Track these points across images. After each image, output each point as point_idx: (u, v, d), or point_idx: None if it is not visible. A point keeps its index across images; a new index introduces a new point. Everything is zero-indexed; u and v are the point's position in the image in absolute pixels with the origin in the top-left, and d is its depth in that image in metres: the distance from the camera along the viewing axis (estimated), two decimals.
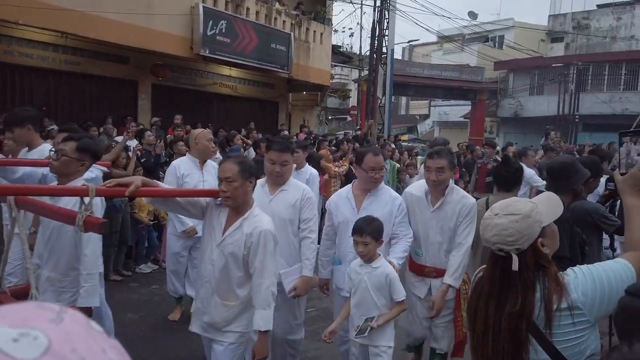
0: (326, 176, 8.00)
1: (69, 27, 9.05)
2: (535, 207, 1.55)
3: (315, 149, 10.22)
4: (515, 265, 1.47)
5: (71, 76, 10.87)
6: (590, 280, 1.49)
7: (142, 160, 6.33)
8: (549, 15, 27.82)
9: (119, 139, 7.00)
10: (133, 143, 6.85)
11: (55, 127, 8.25)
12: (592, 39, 25.52)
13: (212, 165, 4.41)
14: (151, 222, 6.22)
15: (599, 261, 3.02)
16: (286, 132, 13.38)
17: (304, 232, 3.23)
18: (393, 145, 11.50)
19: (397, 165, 9.03)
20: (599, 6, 26.38)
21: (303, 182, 3.71)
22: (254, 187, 2.70)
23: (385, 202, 3.19)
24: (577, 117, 22.75)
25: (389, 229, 3.12)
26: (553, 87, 23.89)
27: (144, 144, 6.95)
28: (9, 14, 8.10)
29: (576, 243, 2.68)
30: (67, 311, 0.51)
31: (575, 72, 22.81)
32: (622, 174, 1.75)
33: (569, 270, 1.53)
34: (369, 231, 2.79)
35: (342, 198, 3.30)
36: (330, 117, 29.80)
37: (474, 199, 3.37)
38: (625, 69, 22.38)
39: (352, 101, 27.32)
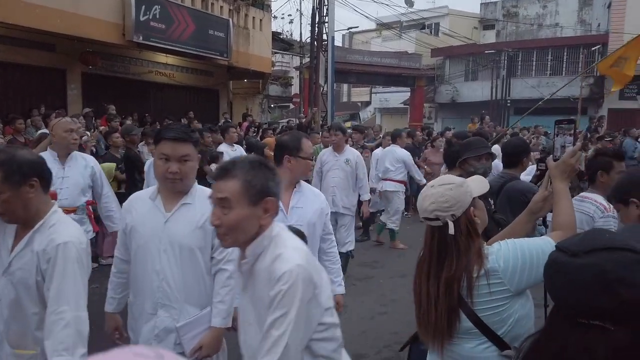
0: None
1: None
2: (466, 181, 1.70)
3: (259, 138, 10.11)
4: (451, 229, 1.58)
5: None
6: (512, 251, 1.57)
7: None
8: (481, 3, 28.86)
9: (41, 132, 6.57)
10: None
11: None
12: (521, 26, 26.78)
13: (79, 159, 3.98)
14: None
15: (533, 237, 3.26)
16: (229, 121, 13.13)
17: (217, 263, 2.22)
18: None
19: None
20: None
21: None
22: (45, 188, 1.90)
23: (312, 199, 2.72)
24: (509, 101, 23.88)
25: (320, 230, 2.74)
26: (486, 73, 24.89)
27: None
28: None
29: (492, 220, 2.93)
30: (163, 354, 0.56)
31: (506, 58, 23.88)
32: (555, 160, 1.88)
33: (495, 244, 1.63)
34: None
35: None
36: (272, 105, 29.53)
37: None
38: (551, 55, 23.68)
39: (295, 89, 27.20)
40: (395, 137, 7.67)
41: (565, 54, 23.39)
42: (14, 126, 6.99)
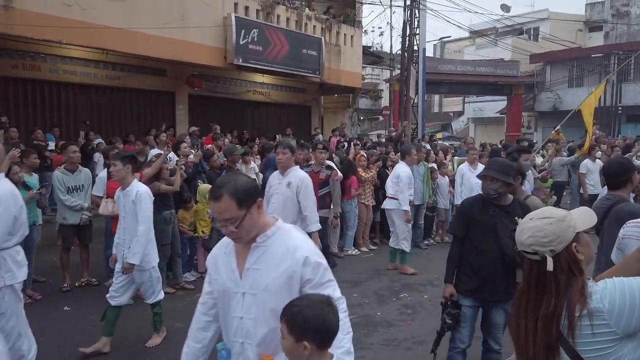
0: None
1: (109, 44, 9.43)
2: (569, 214, 1.60)
3: (345, 153, 10.22)
4: (549, 266, 1.52)
5: (112, 90, 11.32)
6: (620, 291, 1.46)
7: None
8: (586, 4, 26.88)
9: (154, 152, 7.20)
10: (173, 157, 7.03)
11: (101, 141, 8.61)
12: (633, 27, 24.49)
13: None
14: (195, 234, 6.39)
15: None
16: (320, 136, 13.48)
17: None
18: (428, 146, 11.38)
19: (431, 164, 8.92)
20: None
21: None
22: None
23: (279, 256, 1.86)
24: (620, 108, 21.89)
25: (284, 299, 1.77)
26: (593, 78, 23.06)
27: (180, 155, 7.10)
28: (53, 35, 8.50)
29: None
30: None
31: (616, 61, 21.96)
32: None
33: (600, 282, 1.52)
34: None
35: (221, 251, 2.00)
36: (362, 118, 29.76)
37: None
38: None
39: (384, 101, 27.18)
40: (404, 154, 7.11)
41: None
42: (134, 146, 7.75)
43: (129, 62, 11.01)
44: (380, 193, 8.41)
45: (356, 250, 8.14)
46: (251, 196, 1.82)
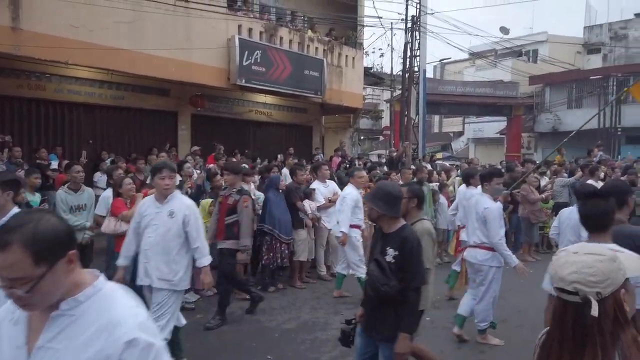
0: None
1: (114, 65, 9.55)
2: (619, 256, 1.39)
3: (346, 173, 10.25)
4: (595, 311, 1.27)
5: (116, 110, 11.42)
6: None
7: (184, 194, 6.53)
8: (584, 27, 27.26)
9: None
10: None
11: (112, 158, 8.64)
12: (631, 49, 24.80)
13: None
14: None
15: None
16: (320, 156, 13.54)
17: None
18: (429, 167, 11.44)
19: (434, 185, 8.95)
20: (637, 15, 25.71)
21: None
22: None
23: (91, 334, 1.31)
24: (619, 130, 22.02)
25: None
26: (592, 99, 23.27)
27: (183, 176, 7.15)
28: (59, 55, 8.62)
29: None
30: None
31: (615, 83, 22.18)
32: None
33: None
34: None
35: (6, 317, 1.42)
36: (362, 138, 29.92)
37: None
38: None
39: (385, 121, 27.35)
40: (350, 176, 6.90)
41: None
42: (136, 165, 7.79)
43: (133, 82, 11.13)
44: None
45: None
46: (59, 247, 1.30)
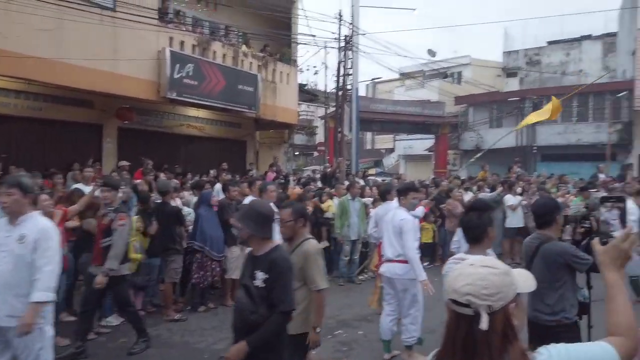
0: None
1: (31, 74, 8.96)
2: (512, 271, 1.39)
3: (282, 189, 10.23)
4: (484, 323, 1.25)
5: (33, 122, 10.67)
6: None
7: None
8: (503, 52, 29.26)
9: (80, 186, 6.86)
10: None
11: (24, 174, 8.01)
12: (544, 74, 26.94)
13: None
14: None
15: (574, 302, 3.16)
16: (254, 171, 13.41)
17: None
18: (362, 182, 11.67)
19: (366, 200, 9.14)
20: (549, 42, 27.99)
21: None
22: None
23: None
24: (534, 148, 23.72)
25: None
26: (511, 120, 24.89)
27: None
28: None
29: None
30: None
31: (531, 105, 23.91)
32: (602, 243, 1.61)
33: (542, 349, 1.35)
34: None
35: None
36: (297, 153, 30.03)
37: None
38: (577, 101, 23.61)
39: (319, 137, 27.68)
40: (260, 192, 6.50)
41: (591, 100, 23.30)
42: (52, 181, 7.30)
43: (52, 92, 10.47)
44: (314, 229, 8.49)
45: None
46: None
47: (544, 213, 3.38)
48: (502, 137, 9.48)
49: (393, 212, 5.11)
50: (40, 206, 5.22)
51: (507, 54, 28.89)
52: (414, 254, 4.74)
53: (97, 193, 5.56)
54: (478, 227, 2.85)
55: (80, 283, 6.17)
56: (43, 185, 7.30)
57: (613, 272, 1.51)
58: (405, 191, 5.15)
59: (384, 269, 5.02)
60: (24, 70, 8.73)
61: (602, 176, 13.16)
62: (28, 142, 10.62)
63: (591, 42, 26.47)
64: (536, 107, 23.76)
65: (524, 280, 1.44)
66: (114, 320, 6.00)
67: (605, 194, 2.47)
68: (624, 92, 21.31)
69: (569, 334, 3.06)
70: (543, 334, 3.10)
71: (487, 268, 1.33)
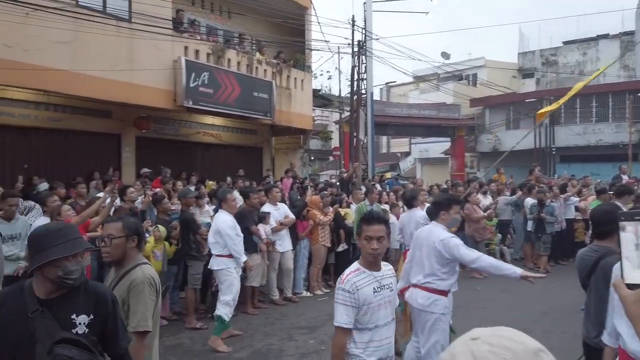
0: (311, 222, 8.02)
1: (51, 85, 9.09)
2: (544, 350, 0.89)
3: (299, 195, 10.21)
4: None
5: (53, 133, 10.84)
6: None
7: None
8: (518, 53, 28.97)
9: (101, 195, 6.91)
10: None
11: (46, 185, 8.14)
12: (561, 74, 26.58)
13: None
14: None
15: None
16: (271, 178, 13.41)
17: None
18: (379, 187, 11.59)
19: (384, 206, 9.07)
20: (565, 42, 27.63)
21: None
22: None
23: None
24: (553, 149, 23.36)
25: None
26: (528, 121, 24.59)
27: (126, 201, 6.83)
28: None
29: None
30: None
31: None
32: (631, 287, 1.22)
33: None
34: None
35: None
36: (312, 158, 30.02)
37: None
38: (596, 101, 23.24)
39: (334, 142, 27.65)
40: (220, 201, 6.13)
41: (610, 100, 22.90)
42: (76, 190, 7.37)
43: (72, 103, 10.63)
44: (334, 235, 8.45)
45: (308, 292, 8.03)
46: None
47: (606, 221, 2.90)
48: (523, 138, 9.32)
49: (428, 231, 4.19)
50: (62, 217, 5.33)
51: (523, 54, 28.60)
52: (487, 260, 3.89)
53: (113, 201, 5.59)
54: (607, 222, 2.88)
55: None
56: (67, 196, 7.39)
57: None
58: (448, 205, 4.17)
59: (408, 295, 4.22)
60: (44, 82, 8.86)
61: (625, 177, 12.86)
62: (49, 152, 10.79)
63: (608, 41, 26.09)
64: None
65: None
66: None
67: (628, 209, 2.21)
68: None
69: None
70: None
71: (495, 348, 0.88)
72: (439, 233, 4.02)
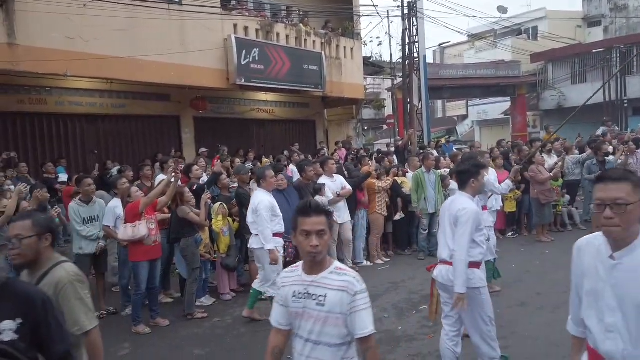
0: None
1: (112, 73, 9.51)
2: None
3: (355, 165, 10.17)
4: None
5: (119, 119, 11.41)
6: None
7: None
8: (583, 0, 26.87)
9: (160, 177, 7.22)
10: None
11: (118, 167, 8.61)
12: (632, 19, 24.42)
13: None
14: (215, 256, 6.37)
15: None
16: (325, 150, 13.44)
17: None
18: (435, 153, 11.32)
19: (442, 171, 8.88)
20: None
21: None
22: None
23: None
24: (625, 102, 21.72)
25: None
26: (596, 73, 22.97)
27: (192, 178, 7.10)
28: (58, 68, 8.58)
29: None
30: None
31: (618, 55, 21.86)
32: None
33: None
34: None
35: None
36: (366, 128, 29.74)
37: None
38: None
39: (387, 110, 27.18)
40: (258, 179, 5.80)
41: None
42: (142, 172, 7.74)
43: (133, 89, 11.10)
44: (391, 204, 8.41)
45: (368, 262, 8.10)
46: None
47: None
48: (597, 92, 8.64)
49: (452, 199, 3.98)
50: (133, 199, 5.65)
51: (588, 1, 26.50)
52: (461, 256, 3.57)
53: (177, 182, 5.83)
54: None
55: (174, 267, 6.60)
56: (135, 178, 7.79)
57: None
58: (477, 172, 3.84)
59: (437, 272, 3.87)
60: (106, 71, 9.28)
61: None
62: (115, 137, 11.40)
63: None
64: (624, 57, 21.72)
65: None
66: (206, 300, 6.34)
67: None
68: None
69: None
70: None
71: None
72: (462, 201, 3.75)
